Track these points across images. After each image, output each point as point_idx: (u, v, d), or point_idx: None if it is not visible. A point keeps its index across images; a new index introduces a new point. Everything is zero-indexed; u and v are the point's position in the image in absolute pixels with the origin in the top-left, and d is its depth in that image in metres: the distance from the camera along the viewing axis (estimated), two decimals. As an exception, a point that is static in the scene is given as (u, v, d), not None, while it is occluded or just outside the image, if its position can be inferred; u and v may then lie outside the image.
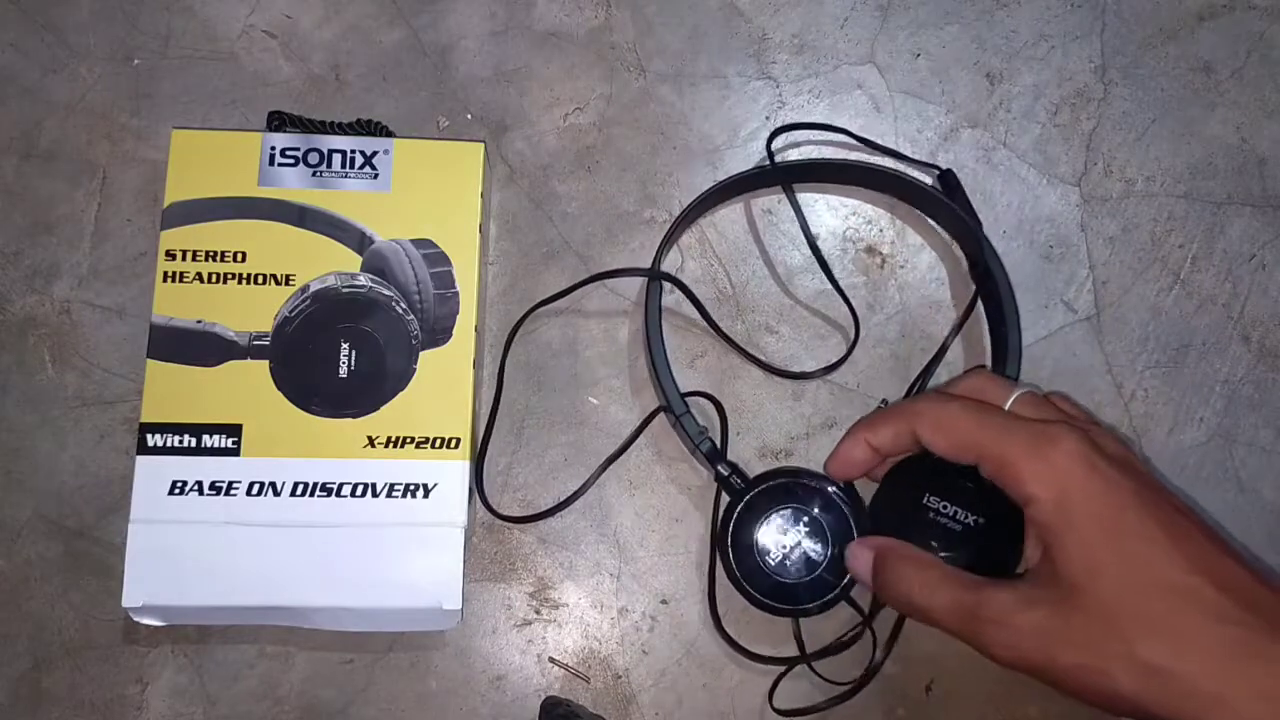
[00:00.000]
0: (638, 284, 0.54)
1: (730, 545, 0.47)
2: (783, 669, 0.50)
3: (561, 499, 0.52)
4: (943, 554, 0.45)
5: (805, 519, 0.47)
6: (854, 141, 0.55)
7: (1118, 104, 0.56)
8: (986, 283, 0.52)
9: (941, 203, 0.52)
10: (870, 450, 0.43)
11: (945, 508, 0.45)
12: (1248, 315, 0.54)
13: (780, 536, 0.47)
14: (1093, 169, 0.56)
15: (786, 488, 0.47)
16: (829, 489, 0.47)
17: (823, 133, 0.55)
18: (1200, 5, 0.57)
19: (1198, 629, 0.33)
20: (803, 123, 0.55)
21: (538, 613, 0.51)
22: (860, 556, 0.43)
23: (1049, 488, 0.36)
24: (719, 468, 0.48)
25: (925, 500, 0.46)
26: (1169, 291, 0.55)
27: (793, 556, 0.46)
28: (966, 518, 0.45)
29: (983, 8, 0.57)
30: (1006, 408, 0.40)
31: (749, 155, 0.55)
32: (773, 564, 0.46)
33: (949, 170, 0.54)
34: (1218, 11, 0.57)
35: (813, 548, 0.46)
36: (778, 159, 0.54)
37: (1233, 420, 0.53)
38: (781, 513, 0.47)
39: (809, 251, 0.54)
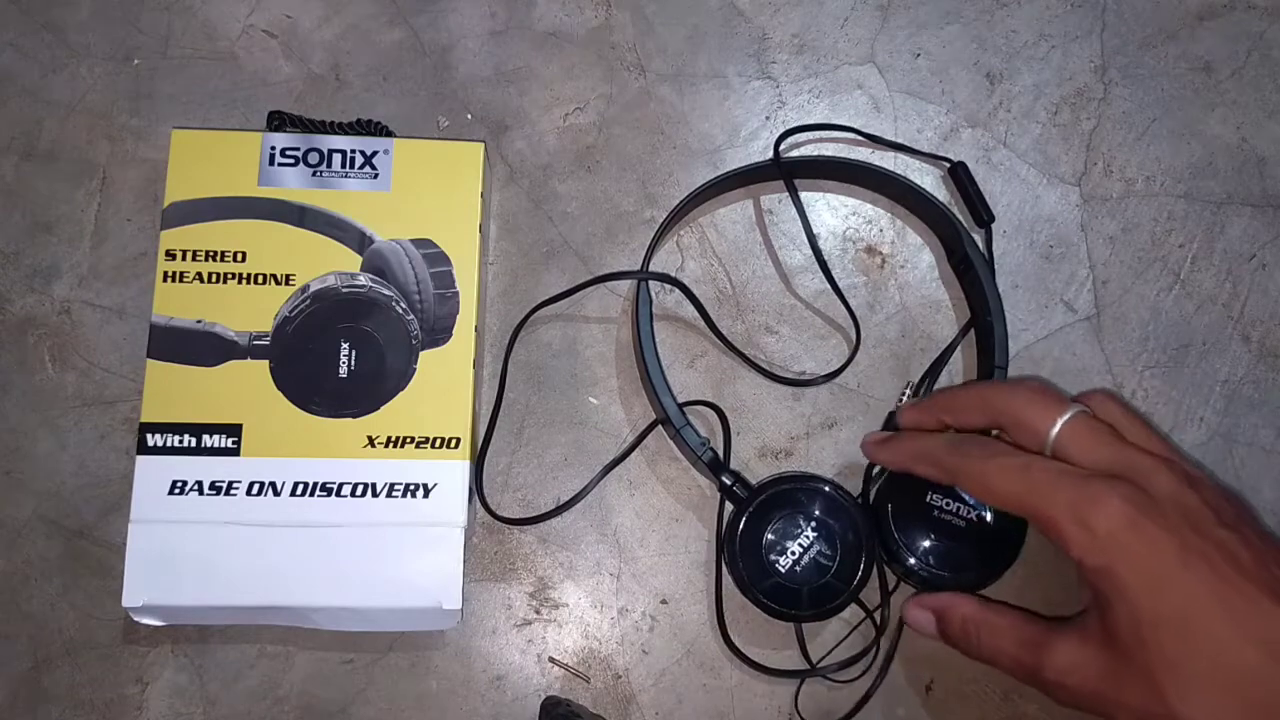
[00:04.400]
0: (635, 283, 0.54)
1: (738, 554, 0.47)
2: (799, 681, 0.50)
3: (562, 499, 0.52)
4: (947, 549, 0.46)
5: (811, 524, 0.46)
6: (863, 140, 0.55)
7: (1118, 104, 0.56)
8: (968, 272, 0.52)
9: (923, 196, 0.52)
10: (908, 470, 0.44)
11: (949, 505, 0.46)
12: (1248, 315, 0.54)
13: (786, 543, 0.46)
14: (1093, 169, 0.56)
15: (790, 494, 0.47)
16: (833, 492, 0.47)
17: (831, 132, 0.55)
18: (1200, 5, 0.57)
19: (1238, 695, 0.33)
20: (810, 124, 0.55)
21: (538, 613, 0.51)
22: (921, 617, 0.44)
23: (1094, 555, 0.36)
24: (722, 478, 0.48)
25: (929, 498, 0.46)
26: (1169, 291, 0.55)
27: (801, 562, 0.46)
28: (970, 513, 0.46)
29: (983, 8, 0.57)
30: (1053, 434, 0.39)
31: (749, 155, 0.55)
32: (781, 571, 0.46)
33: (961, 163, 0.54)
34: (1218, 11, 0.57)
35: (819, 552, 0.46)
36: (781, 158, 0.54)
37: (1233, 420, 0.53)
38: (787, 520, 0.47)
39: (809, 251, 0.54)
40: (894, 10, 0.57)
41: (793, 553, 0.46)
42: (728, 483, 0.48)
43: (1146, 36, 0.57)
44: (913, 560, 0.46)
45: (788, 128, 0.55)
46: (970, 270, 0.51)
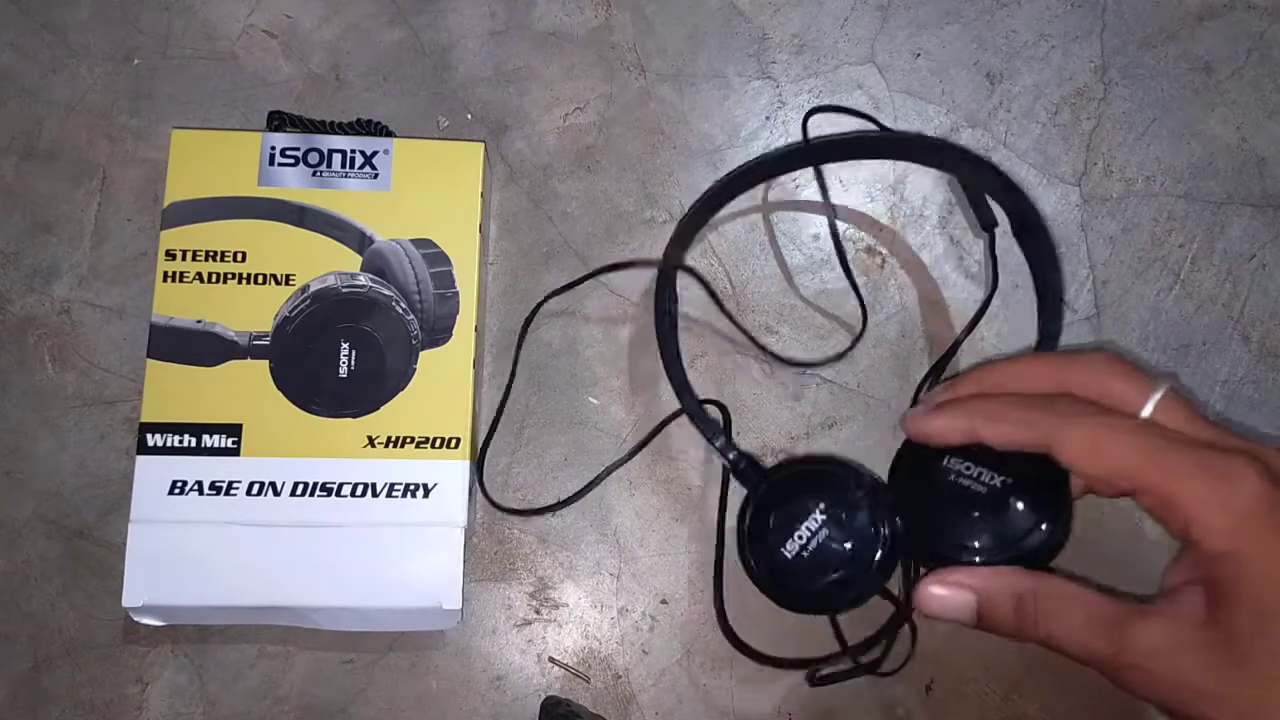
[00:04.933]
0: (638, 284, 0.54)
1: (749, 543, 0.43)
2: (820, 669, 0.48)
3: (562, 499, 0.51)
4: (968, 519, 0.39)
5: (829, 509, 0.42)
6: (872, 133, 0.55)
7: (1118, 104, 0.56)
8: (1033, 237, 0.51)
9: (980, 163, 0.51)
10: (974, 436, 0.36)
11: (968, 469, 0.40)
12: (1248, 315, 0.54)
13: (803, 530, 0.42)
14: (1093, 169, 0.56)
15: (806, 476, 0.43)
16: (849, 475, 0.42)
17: (852, 118, 0.56)
18: (1200, 5, 0.57)
19: None
20: (838, 105, 0.55)
21: (538, 613, 0.51)
22: (952, 599, 0.36)
23: (1222, 538, 0.31)
24: (730, 456, 0.45)
25: (946, 461, 0.40)
26: (1169, 291, 0.55)
27: (819, 550, 0.41)
28: (992, 479, 0.40)
29: (983, 8, 0.57)
30: (1146, 412, 0.34)
31: (750, 155, 0.55)
32: (799, 560, 0.42)
33: None
34: (1218, 11, 0.57)
35: (838, 539, 0.42)
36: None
37: (1233, 420, 0.53)
38: (804, 504, 0.42)
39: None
40: (894, 10, 0.57)
41: (810, 539, 0.42)
42: (740, 464, 0.45)
43: (1146, 36, 0.57)
44: (944, 538, 0.39)
45: (815, 105, 0.55)
46: (1028, 235, 0.50)
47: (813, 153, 0.53)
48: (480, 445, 0.52)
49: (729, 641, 0.49)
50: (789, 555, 0.42)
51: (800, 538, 0.42)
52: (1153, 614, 0.33)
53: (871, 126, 0.55)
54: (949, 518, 0.39)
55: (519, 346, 0.53)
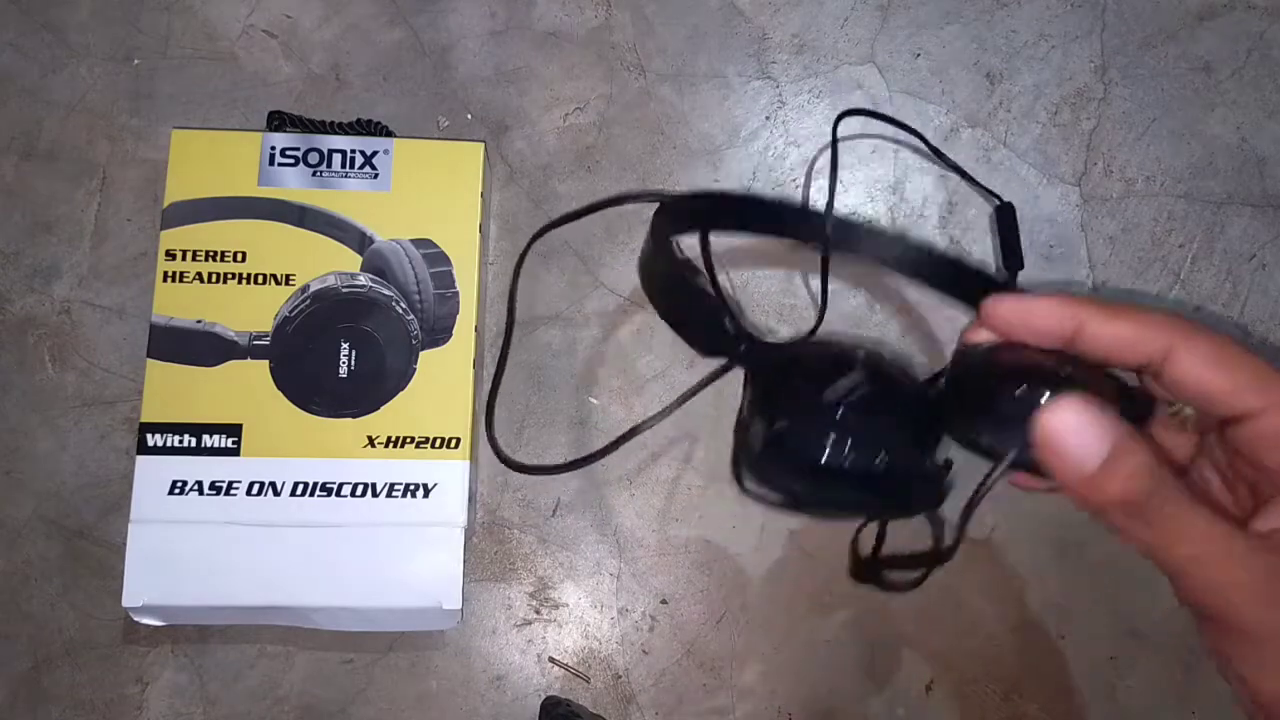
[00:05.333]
0: (635, 282, 0.54)
1: (749, 437, 0.34)
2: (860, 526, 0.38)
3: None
4: (1067, 384, 0.30)
5: (860, 397, 0.32)
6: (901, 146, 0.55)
7: (1118, 104, 0.56)
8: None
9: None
10: (1078, 329, 0.30)
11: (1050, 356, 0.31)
12: (1248, 315, 0.54)
13: (819, 422, 0.33)
14: (1093, 169, 0.56)
15: (827, 355, 0.34)
16: (882, 356, 0.34)
17: (890, 127, 0.55)
18: (1200, 5, 0.57)
19: None
20: (876, 111, 0.54)
21: (538, 613, 0.51)
22: (1087, 438, 0.27)
23: None
24: (726, 322, 0.35)
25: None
26: (1169, 291, 0.55)
27: (841, 443, 0.32)
28: (1080, 368, 0.30)
29: (983, 8, 0.57)
30: None
31: (749, 154, 0.55)
32: (814, 456, 0.32)
33: (1009, 204, 0.53)
34: (1218, 11, 0.57)
35: (870, 432, 0.32)
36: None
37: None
38: (835, 369, 0.33)
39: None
40: (894, 10, 0.57)
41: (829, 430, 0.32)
42: (742, 346, 0.35)
43: (1146, 36, 0.57)
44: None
45: (849, 108, 0.53)
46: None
47: (830, 231, 0.40)
48: (491, 387, 0.45)
49: (740, 489, 0.37)
50: (814, 451, 0.32)
51: (823, 433, 0.32)
52: (1253, 538, 0.28)
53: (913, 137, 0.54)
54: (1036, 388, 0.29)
55: (515, 280, 0.45)
